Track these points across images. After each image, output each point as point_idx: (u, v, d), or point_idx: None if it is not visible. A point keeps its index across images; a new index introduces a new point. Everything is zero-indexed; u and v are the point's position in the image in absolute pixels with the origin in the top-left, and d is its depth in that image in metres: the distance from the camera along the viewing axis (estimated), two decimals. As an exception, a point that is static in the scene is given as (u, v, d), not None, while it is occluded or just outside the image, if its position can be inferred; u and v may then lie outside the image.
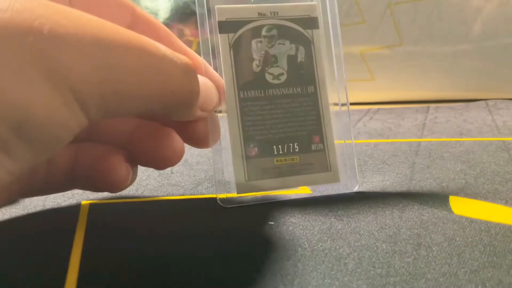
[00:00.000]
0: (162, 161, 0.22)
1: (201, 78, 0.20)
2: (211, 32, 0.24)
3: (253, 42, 0.25)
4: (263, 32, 0.25)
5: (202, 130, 0.22)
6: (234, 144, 0.24)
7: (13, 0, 0.13)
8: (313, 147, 0.26)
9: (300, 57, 0.26)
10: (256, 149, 0.25)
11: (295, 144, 0.25)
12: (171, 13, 0.68)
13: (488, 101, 0.60)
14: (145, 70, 0.16)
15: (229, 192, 0.25)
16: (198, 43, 0.70)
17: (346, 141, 0.27)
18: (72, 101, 0.14)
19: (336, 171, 0.26)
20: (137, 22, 0.22)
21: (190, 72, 0.19)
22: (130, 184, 0.23)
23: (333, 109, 0.26)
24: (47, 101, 0.13)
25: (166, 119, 0.22)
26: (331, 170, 0.26)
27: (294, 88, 0.25)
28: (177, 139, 0.22)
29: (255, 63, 0.25)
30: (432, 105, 0.61)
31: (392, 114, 0.55)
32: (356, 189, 0.27)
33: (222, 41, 0.24)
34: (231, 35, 0.25)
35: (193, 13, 0.67)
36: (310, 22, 0.26)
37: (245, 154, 0.24)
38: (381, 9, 0.64)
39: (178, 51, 0.21)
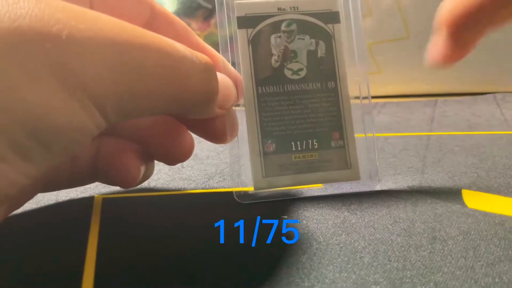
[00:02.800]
0: (175, 156, 0.23)
1: (219, 76, 0.20)
2: (229, 27, 0.24)
3: (272, 37, 0.25)
4: (282, 27, 0.25)
5: (220, 127, 0.22)
6: (251, 140, 0.24)
7: (31, 6, 0.13)
8: (333, 143, 0.25)
9: (320, 52, 0.26)
10: (274, 145, 0.25)
11: (314, 140, 0.25)
12: (177, 7, 0.68)
13: (496, 95, 0.60)
14: (163, 72, 0.16)
15: (245, 187, 0.25)
16: (205, 36, 0.69)
17: (368, 134, 0.26)
18: (89, 105, 0.14)
19: (357, 168, 0.26)
20: (155, 18, 0.22)
21: (210, 71, 0.19)
22: (146, 179, 0.23)
23: (353, 102, 0.26)
24: (64, 106, 0.13)
25: (182, 117, 0.22)
26: (351, 167, 0.26)
27: (314, 84, 0.25)
28: (188, 135, 0.23)
29: (274, 58, 0.25)
30: (440, 99, 0.60)
31: (400, 107, 0.55)
32: (377, 187, 0.26)
33: (240, 36, 0.24)
34: (250, 30, 0.25)
35: (200, 7, 0.67)
36: (331, 16, 0.26)
37: (262, 150, 0.24)
38: (388, 2, 0.64)
39: (196, 47, 0.22)
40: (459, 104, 0.56)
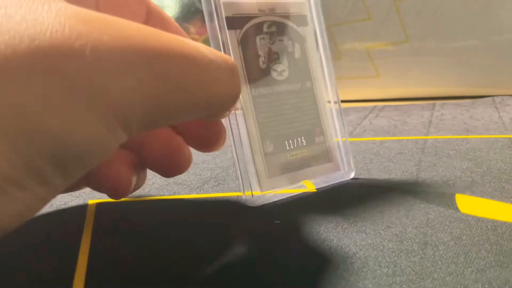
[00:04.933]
0: (172, 171, 0.22)
1: None
2: (220, 28, 0.24)
3: (257, 39, 0.25)
4: (264, 29, 0.25)
5: (216, 132, 0.22)
6: (253, 142, 0.24)
7: (51, 20, 0.12)
8: (316, 139, 0.27)
9: (297, 54, 0.26)
10: (272, 145, 0.25)
11: (302, 138, 0.26)
12: (176, 11, 0.68)
13: (495, 98, 0.60)
14: (192, 79, 0.15)
15: (252, 190, 0.24)
16: (204, 41, 0.69)
17: (342, 139, 0.28)
18: (114, 124, 0.13)
19: (337, 160, 0.27)
20: (151, 16, 0.21)
21: (235, 71, 0.18)
22: (137, 189, 0.23)
23: (327, 106, 0.27)
24: (88, 129, 0.12)
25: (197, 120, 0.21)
26: (332, 160, 0.27)
27: (295, 84, 0.26)
28: (187, 148, 0.22)
29: (261, 59, 0.25)
30: (438, 102, 0.60)
31: (398, 111, 0.55)
32: (352, 175, 0.28)
33: (230, 37, 0.24)
34: (238, 31, 0.24)
35: (198, 11, 0.67)
36: (301, 19, 0.27)
37: (263, 151, 0.25)
38: (386, 5, 0.64)
39: None
40: (457, 107, 0.56)
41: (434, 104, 0.58)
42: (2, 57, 0.11)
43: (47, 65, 0.12)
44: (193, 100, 0.16)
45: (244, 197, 0.24)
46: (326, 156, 0.27)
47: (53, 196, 0.13)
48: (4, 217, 0.12)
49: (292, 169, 0.25)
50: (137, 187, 0.22)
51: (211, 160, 0.35)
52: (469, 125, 0.44)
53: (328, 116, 0.27)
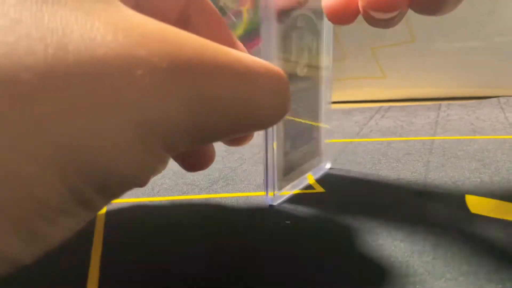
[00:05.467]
0: (195, 166, 0.22)
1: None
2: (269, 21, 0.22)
3: (293, 33, 0.24)
4: (298, 23, 0.24)
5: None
6: (279, 142, 0.24)
7: (109, 42, 0.11)
8: (313, 134, 0.27)
9: (314, 49, 0.26)
10: (289, 143, 0.25)
11: (306, 133, 0.26)
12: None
13: (500, 98, 0.60)
14: (239, 101, 0.14)
15: (275, 190, 0.25)
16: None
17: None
18: (161, 151, 0.13)
19: (322, 154, 0.29)
20: (190, 5, 0.20)
21: (286, 86, 0.16)
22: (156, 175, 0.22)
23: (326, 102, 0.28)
24: (138, 159, 0.12)
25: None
26: (320, 154, 0.29)
27: (309, 81, 0.26)
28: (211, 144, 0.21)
29: (293, 54, 0.24)
30: (444, 103, 0.60)
31: (404, 112, 0.55)
32: (328, 166, 0.30)
33: (276, 31, 0.22)
34: (282, 25, 0.23)
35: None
36: (320, 12, 0.24)
37: (284, 150, 0.24)
38: (392, 6, 0.63)
39: (228, 43, 0.20)
40: (463, 108, 0.56)
41: (440, 105, 0.58)
42: (54, 84, 0.10)
43: (101, 90, 0.11)
44: (239, 121, 0.14)
45: (267, 197, 0.24)
46: (317, 150, 0.28)
47: (95, 215, 0.13)
48: (51, 244, 0.12)
49: (298, 165, 0.26)
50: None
51: (219, 160, 0.35)
52: (476, 126, 0.44)
53: (324, 111, 0.28)
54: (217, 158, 0.35)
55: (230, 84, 0.13)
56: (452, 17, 0.64)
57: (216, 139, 0.15)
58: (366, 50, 0.66)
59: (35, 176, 0.10)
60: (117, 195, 0.13)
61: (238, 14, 0.59)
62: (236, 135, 0.15)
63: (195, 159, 0.22)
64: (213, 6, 0.21)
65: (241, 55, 0.14)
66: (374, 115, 0.53)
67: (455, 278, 0.17)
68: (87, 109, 0.11)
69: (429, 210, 0.23)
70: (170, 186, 0.29)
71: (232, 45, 0.21)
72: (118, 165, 0.11)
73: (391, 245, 0.19)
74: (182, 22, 0.16)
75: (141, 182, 0.13)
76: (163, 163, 0.13)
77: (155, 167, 0.13)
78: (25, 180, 0.10)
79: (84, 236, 0.22)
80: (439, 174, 0.29)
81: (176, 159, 0.22)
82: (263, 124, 0.15)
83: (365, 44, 0.66)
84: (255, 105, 0.14)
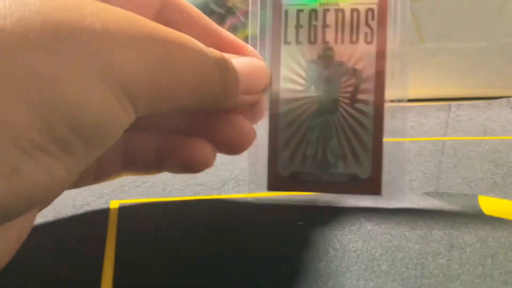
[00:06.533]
0: (189, 168, 0.22)
1: (246, 59, 0.21)
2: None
3: None
4: None
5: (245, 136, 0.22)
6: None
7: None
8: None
9: None
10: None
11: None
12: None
13: (510, 99, 0.60)
14: (187, 66, 0.17)
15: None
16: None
17: None
18: (123, 99, 0.14)
19: None
20: (167, 6, 0.21)
21: (225, 65, 0.19)
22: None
23: None
24: (103, 100, 0.14)
25: (205, 110, 0.22)
26: None
27: None
28: (205, 146, 0.22)
29: None
30: (454, 103, 0.60)
31: (413, 112, 0.55)
32: None
33: None
34: None
35: (212, 12, 0.68)
36: None
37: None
38: (401, 6, 0.63)
39: (215, 33, 0.22)
40: (473, 108, 0.55)
41: (449, 105, 0.58)
42: (21, 29, 0.12)
43: (64, 37, 0.13)
44: (186, 85, 0.17)
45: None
46: None
47: (79, 168, 0.14)
48: (33, 184, 0.13)
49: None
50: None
51: (229, 162, 0.35)
52: (487, 127, 0.44)
53: None
54: (226, 159, 0.35)
55: (177, 49, 0.16)
56: (460, 17, 0.64)
57: (170, 102, 0.17)
58: (375, 51, 0.65)
59: (5, 103, 0.12)
60: (93, 143, 0.14)
61: (247, 14, 0.59)
62: (186, 102, 0.17)
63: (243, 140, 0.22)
64: (194, 8, 0.22)
65: (186, 35, 0.17)
66: (384, 116, 0.53)
67: (470, 280, 0.17)
68: (51, 49, 0.13)
69: (443, 211, 0.23)
70: (181, 186, 0.29)
71: (232, 46, 0.22)
72: (85, 102, 0.13)
73: (406, 246, 0.19)
74: (161, 23, 0.17)
75: (112, 132, 0.15)
76: (128, 115, 0.15)
77: (122, 120, 0.15)
78: None
79: (97, 235, 0.22)
80: (452, 175, 0.29)
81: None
82: (206, 96, 0.18)
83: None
84: (197, 74, 0.17)
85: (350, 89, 0.23)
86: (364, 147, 0.24)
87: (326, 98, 0.24)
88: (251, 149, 0.23)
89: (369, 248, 0.19)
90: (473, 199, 0.24)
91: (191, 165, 0.22)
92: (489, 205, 0.24)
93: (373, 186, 0.24)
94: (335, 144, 0.24)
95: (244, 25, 0.57)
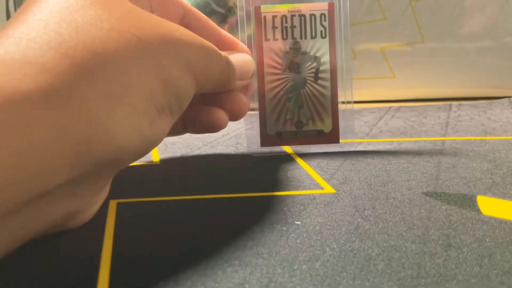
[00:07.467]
0: (209, 129, 0.30)
1: (239, 55, 0.30)
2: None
3: None
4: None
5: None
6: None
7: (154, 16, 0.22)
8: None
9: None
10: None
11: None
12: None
13: (511, 99, 0.60)
14: (216, 64, 0.25)
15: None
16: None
17: None
18: (194, 81, 0.23)
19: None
20: (186, 15, 0.29)
21: (229, 62, 0.27)
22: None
23: None
24: (189, 81, 0.23)
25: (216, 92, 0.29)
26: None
27: None
28: (221, 113, 0.29)
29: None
30: (455, 103, 0.60)
31: (414, 112, 0.55)
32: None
33: None
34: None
35: (213, 12, 0.68)
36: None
37: None
38: (402, 6, 0.63)
39: (222, 37, 0.31)
40: (474, 108, 0.55)
41: (450, 105, 0.58)
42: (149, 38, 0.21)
43: (168, 44, 0.21)
44: (214, 76, 0.26)
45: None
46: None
47: (172, 124, 0.23)
48: (160, 132, 0.22)
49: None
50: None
51: (229, 161, 0.35)
52: (487, 127, 0.44)
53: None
54: (226, 159, 0.35)
55: (209, 54, 0.25)
56: (462, 17, 0.64)
57: (206, 86, 0.25)
58: (376, 50, 0.65)
59: (151, 82, 0.20)
60: (182, 107, 0.23)
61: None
62: (212, 86, 0.26)
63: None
64: (203, 14, 0.30)
65: (211, 44, 0.25)
66: (384, 115, 0.53)
67: (467, 280, 0.17)
68: (165, 59, 0.21)
69: (441, 211, 0.23)
70: (180, 185, 0.29)
71: (228, 42, 0.31)
72: (183, 82, 0.22)
73: (402, 246, 0.19)
74: (184, 26, 0.24)
75: (189, 100, 0.24)
76: (195, 90, 0.24)
77: (192, 93, 0.24)
78: (168, 74, 0.21)
79: (95, 229, 0.22)
80: (450, 175, 0.29)
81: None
82: (222, 82, 0.27)
83: (374, 44, 0.65)
84: (218, 68, 0.26)
85: (314, 70, 0.34)
86: (326, 111, 0.35)
87: (297, 78, 0.34)
88: (246, 116, 0.32)
89: (366, 248, 0.19)
90: (471, 199, 0.24)
91: (211, 127, 0.29)
92: (488, 205, 0.24)
93: (334, 137, 0.35)
94: (306, 110, 0.35)
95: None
